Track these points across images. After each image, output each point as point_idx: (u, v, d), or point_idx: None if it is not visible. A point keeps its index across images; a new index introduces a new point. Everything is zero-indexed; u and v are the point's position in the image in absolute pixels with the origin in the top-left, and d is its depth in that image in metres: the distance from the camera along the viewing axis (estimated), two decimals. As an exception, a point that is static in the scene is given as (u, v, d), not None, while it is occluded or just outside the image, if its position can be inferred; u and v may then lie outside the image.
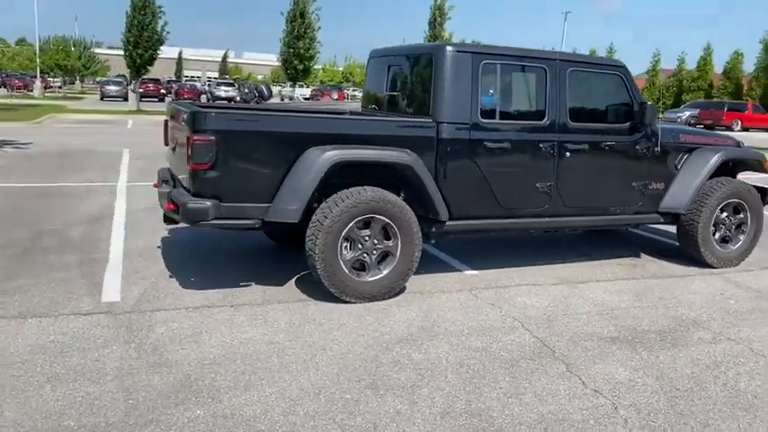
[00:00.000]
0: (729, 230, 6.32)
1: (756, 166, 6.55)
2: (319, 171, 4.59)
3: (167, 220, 5.41)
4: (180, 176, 5.12)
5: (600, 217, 5.89)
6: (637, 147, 5.84)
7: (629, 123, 5.77)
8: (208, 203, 4.45)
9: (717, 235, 6.25)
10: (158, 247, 6.21)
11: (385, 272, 4.92)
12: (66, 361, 3.71)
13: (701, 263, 6.27)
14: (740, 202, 6.27)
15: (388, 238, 4.92)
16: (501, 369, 3.86)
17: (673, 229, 6.54)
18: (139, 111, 29.13)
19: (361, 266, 4.88)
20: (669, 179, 6.08)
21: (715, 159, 6.09)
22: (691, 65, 48.24)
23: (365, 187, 4.79)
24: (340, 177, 4.74)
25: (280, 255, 6.16)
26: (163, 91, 44.82)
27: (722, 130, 25.28)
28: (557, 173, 5.48)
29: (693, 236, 6.12)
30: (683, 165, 6.12)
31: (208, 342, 4.07)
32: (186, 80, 66.09)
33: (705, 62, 46.62)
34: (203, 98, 50.75)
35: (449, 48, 5.11)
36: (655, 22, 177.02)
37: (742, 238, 6.38)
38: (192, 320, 4.41)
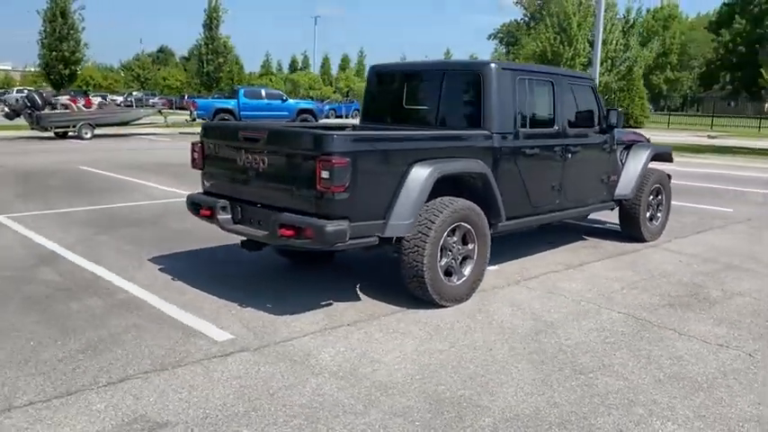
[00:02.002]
0: (654, 210, 7.78)
1: (668, 158, 8.14)
2: (427, 185, 4.84)
3: (251, 245, 5.14)
4: (259, 200, 4.95)
5: (584, 208, 6.91)
6: (604, 146, 6.95)
7: (598, 126, 6.85)
8: (345, 225, 4.44)
9: (648, 214, 7.66)
10: (173, 279, 5.77)
11: (467, 274, 5.31)
12: (299, 399, 3.56)
13: (636, 239, 7.63)
14: (660, 186, 7.76)
15: (465, 243, 5.31)
16: (637, 341, 4.57)
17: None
18: None
19: (448, 272, 5.21)
20: (619, 171, 7.31)
21: (649, 154, 7.49)
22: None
23: (453, 198, 5.13)
24: None
25: (298, 269, 6.11)
26: None
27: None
28: (563, 172, 6.33)
29: (636, 217, 7.45)
30: (626, 159, 7.40)
31: (386, 360, 4.14)
32: None
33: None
34: None
35: (494, 65, 5.64)
36: (382, 23, 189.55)
37: (660, 215, 7.90)
38: (338, 344, 4.38)
